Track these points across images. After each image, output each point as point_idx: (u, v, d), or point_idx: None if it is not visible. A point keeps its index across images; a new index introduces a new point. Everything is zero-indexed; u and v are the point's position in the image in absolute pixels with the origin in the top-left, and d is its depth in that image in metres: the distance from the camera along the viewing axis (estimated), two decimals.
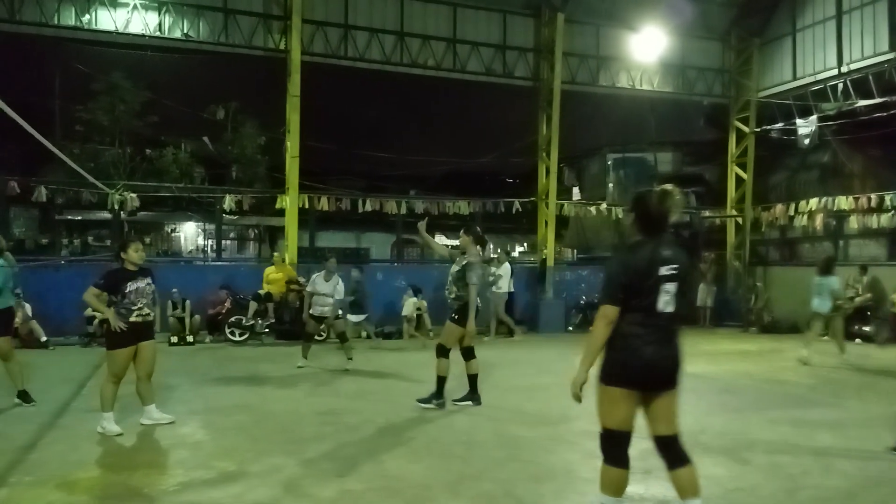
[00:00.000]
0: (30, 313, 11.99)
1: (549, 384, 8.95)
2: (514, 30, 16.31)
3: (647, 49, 16.51)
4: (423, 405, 7.25)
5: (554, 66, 15.93)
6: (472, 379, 7.44)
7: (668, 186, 3.74)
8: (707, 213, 19.17)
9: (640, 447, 5.77)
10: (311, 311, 9.90)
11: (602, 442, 3.71)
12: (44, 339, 11.88)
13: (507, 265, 14.38)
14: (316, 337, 10.67)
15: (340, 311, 10.08)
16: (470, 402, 7.38)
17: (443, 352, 7.28)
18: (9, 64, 15.94)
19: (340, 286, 10.04)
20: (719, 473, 5.11)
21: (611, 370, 3.62)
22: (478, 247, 7.43)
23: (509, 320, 14.35)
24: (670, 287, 3.59)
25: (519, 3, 16.21)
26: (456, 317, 7.18)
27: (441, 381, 7.29)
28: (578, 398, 3.64)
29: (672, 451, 3.68)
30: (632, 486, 4.77)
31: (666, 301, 3.59)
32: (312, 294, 9.88)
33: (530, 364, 10.92)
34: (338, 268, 10.15)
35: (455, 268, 7.24)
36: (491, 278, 13.95)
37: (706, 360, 11.03)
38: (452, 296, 7.21)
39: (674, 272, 3.60)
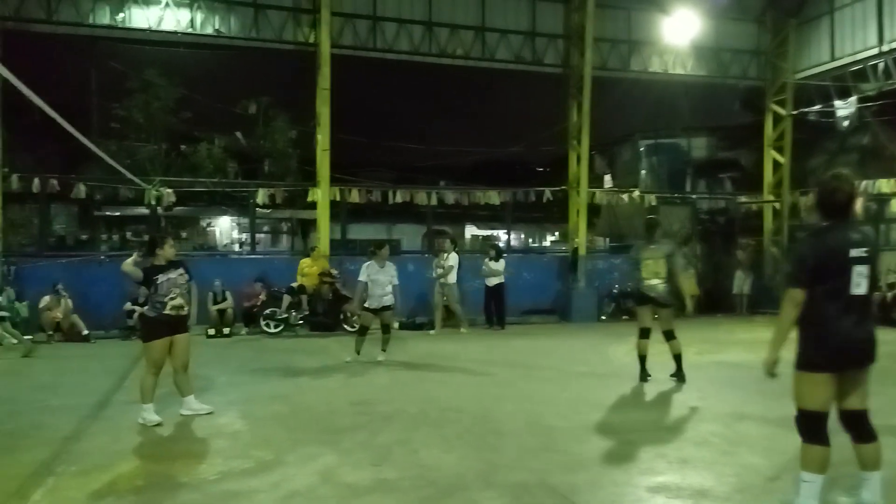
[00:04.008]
0: (71, 307, 12.29)
1: (582, 373, 8.91)
2: (543, 16, 16.13)
3: (679, 32, 16.15)
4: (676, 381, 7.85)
5: (584, 52, 15.71)
6: (677, 359, 7.93)
7: (842, 170, 3.87)
8: (743, 199, 18.81)
9: (671, 439, 5.73)
10: (366, 304, 9.65)
11: (801, 423, 3.82)
12: (85, 332, 12.18)
13: (454, 255, 13.78)
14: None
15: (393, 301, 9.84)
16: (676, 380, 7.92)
17: (673, 335, 7.86)
18: (46, 64, 16.29)
19: (395, 272, 9.82)
20: (759, 463, 5.03)
21: (811, 356, 3.73)
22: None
23: (459, 311, 13.72)
24: (862, 269, 3.67)
25: None
26: (671, 302, 7.77)
27: (678, 358, 7.91)
28: (773, 375, 3.84)
29: (860, 426, 3.82)
30: (668, 476, 4.75)
31: (857, 283, 3.67)
32: (367, 286, 9.59)
33: (563, 354, 10.87)
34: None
35: (653, 256, 7.74)
36: (440, 270, 13.59)
37: (744, 348, 10.84)
38: (662, 284, 7.67)
39: (864, 254, 3.68)
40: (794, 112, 17.37)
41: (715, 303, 16.53)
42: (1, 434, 5.99)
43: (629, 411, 6.68)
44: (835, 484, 4.07)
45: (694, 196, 20.08)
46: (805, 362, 3.74)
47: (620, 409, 6.77)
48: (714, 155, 24.16)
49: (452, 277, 13.61)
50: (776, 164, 17.83)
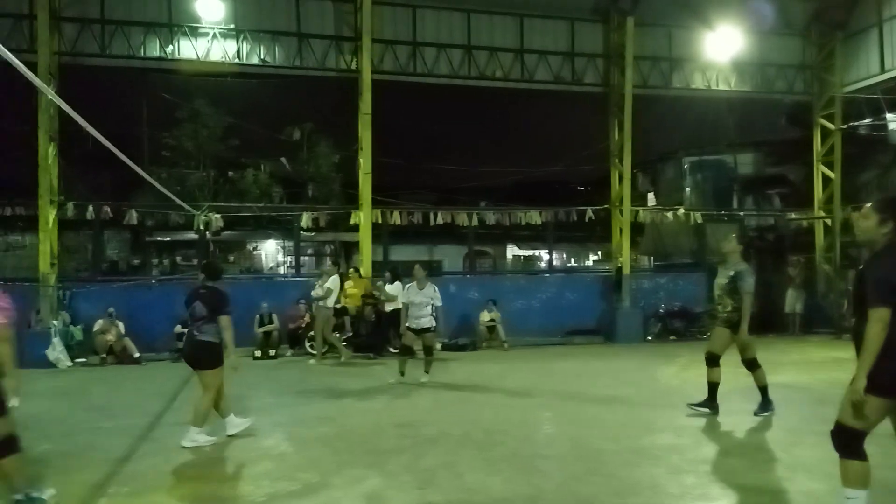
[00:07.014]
0: (123, 331, 12.62)
1: (629, 396, 8.74)
2: (582, 36, 16.11)
3: (722, 48, 15.97)
4: (694, 409, 7.28)
5: (624, 70, 15.62)
6: (763, 390, 7.30)
7: None
8: (793, 216, 18.36)
9: (726, 463, 5.56)
10: (408, 324, 9.71)
11: (842, 438, 3.69)
12: (136, 355, 12.47)
13: (335, 278, 12.70)
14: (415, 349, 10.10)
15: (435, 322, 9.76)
16: (708, 410, 7.28)
17: (714, 360, 7.30)
18: (100, 96, 16.95)
19: (437, 293, 9.79)
20: (816, 488, 4.86)
21: (884, 381, 3.51)
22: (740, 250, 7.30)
23: (335, 340, 12.57)
24: None
25: (587, 9, 16.00)
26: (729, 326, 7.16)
27: (713, 387, 7.31)
28: (861, 403, 3.55)
29: None
30: (723, 502, 4.60)
31: None
32: (408, 306, 9.70)
33: (609, 375, 10.69)
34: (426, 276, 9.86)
35: (722, 280, 7.19)
36: (320, 292, 12.34)
37: (797, 369, 10.51)
38: (729, 309, 7.09)
39: None
40: (844, 126, 16.94)
41: (766, 322, 16.08)
42: (55, 454, 6.14)
43: (680, 434, 6.50)
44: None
45: (741, 213, 19.67)
46: (877, 386, 3.50)
47: (671, 433, 6.59)
48: (761, 171, 23.70)
49: (331, 301, 12.40)
50: (826, 180, 17.37)
